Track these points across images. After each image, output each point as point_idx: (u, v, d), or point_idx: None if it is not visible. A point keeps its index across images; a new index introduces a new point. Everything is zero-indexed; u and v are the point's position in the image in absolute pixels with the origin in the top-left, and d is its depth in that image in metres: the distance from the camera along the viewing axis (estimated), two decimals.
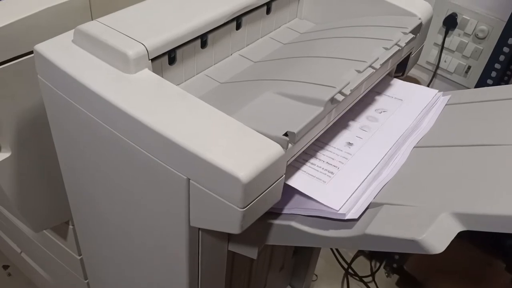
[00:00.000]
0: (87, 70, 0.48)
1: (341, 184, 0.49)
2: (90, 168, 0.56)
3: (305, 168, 0.51)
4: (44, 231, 0.92)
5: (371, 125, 0.58)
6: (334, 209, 0.46)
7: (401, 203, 0.45)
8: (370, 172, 0.51)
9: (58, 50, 0.50)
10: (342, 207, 0.47)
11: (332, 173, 0.51)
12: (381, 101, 0.63)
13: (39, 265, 1.12)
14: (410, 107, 0.61)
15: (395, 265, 1.36)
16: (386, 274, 1.39)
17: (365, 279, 1.36)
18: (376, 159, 0.52)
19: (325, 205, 0.47)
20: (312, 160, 0.52)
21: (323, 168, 0.51)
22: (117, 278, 0.70)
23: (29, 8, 0.57)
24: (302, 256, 1.01)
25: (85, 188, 0.60)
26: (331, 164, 0.52)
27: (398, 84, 0.66)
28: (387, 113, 0.60)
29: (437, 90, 0.64)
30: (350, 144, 0.55)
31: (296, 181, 0.49)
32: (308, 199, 0.50)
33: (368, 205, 0.47)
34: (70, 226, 0.84)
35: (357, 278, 1.37)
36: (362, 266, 1.39)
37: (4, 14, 0.56)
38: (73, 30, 0.51)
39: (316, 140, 0.51)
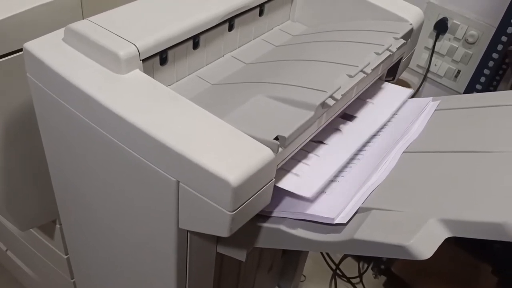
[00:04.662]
0: (77, 70, 0.48)
1: (329, 183, 0.50)
2: (79, 168, 0.55)
3: (294, 170, 0.51)
4: (31, 229, 0.91)
5: (359, 128, 0.58)
6: (322, 207, 0.47)
7: (390, 208, 0.45)
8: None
9: (48, 48, 0.50)
10: (331, 209, 0.47)
11: (320, 174, 0.51)
12: (370, 105, 0.63)
13: (25, 263, 1.11)
14: (401, 118, 0.62)
15: (382, 267, 1.37)
16: (374, 276, 1.39)
17: (353, 280, 1.37)
18: (366, 167, 0.53)
19: (313, 203, 0.47)
20: (302, 162, 0.53)
21: (311, 170, 0.52)
22: (104, 278, 0.69)
23: (19, 6, 0.57)
24: (291, 257, 1.01)
25: (73, 187, 0.60)
26: (319, 166, 0.52)
27: (387, 88, 0.67)
28: (374, 117, 0.60)
29: (431, 98, 0.64)
30: (338, 146, 0.55)
31: (284, 182, 0.50)
32: (297, 202, 0.50)
33: (357, 210, 0.47)
34: (57, 225, 0.84)
35: (345, 279, 1.37)
36: (350, 267, 1.40)
37: None
38: (63, 29, 0.51)
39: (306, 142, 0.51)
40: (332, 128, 0.58)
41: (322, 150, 0.54)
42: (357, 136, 0.56)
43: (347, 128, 0.58)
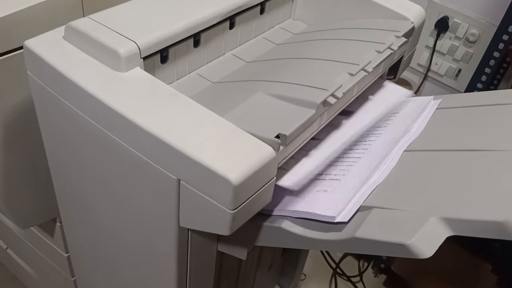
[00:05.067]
0: (77, 67, 0.48)
1: (332, 184, 0.49)
2: (79, 166, 0.55)
3: (295, 169, 0.51)
4: (31, 228, 0.91)
5: (361, 128, 0.58)
6: (323, 207, 0.46)
7: (391, 207, 0.45)
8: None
9: (49, 46, 0.50)
10: (332, 208, 0.47)
11: (323, 174, 0.51)
12: (371, 105, 0.63)
13: (25, 261, 1.11)
14: (402, 116, 0.61)
15: (382, 265, 1.37)
16: (374, 274, 1.39)
17: (353, 279, 1.37)
18: (366, 164, 0.52)
19: (314, 201, 0.47)
20: (303, 161, 0.52)
21: (314, 169, 0.51)
22: (105, 276, 0.69)
23: (20, 3, 0.56)
24: (291, 256, 1.01)
25: (73, 185, 0.60)
26: (321, 165, 0.52)
27: (391, 89, 0.67)
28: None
29: (432, 97, 0.64)
30: (339, 146, 0.55)
31: (285, 181, 0.49)
32: (298, 201, 0.50)
33: (358, 208, 0.47)
34: (58, 224, 0.84)
35: (345, 277, 1.37)
36: (350, 266, 1.40)
37: None
38: (64, 26, 0.51)
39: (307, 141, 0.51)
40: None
41: (314, 146, 0.54)
42: (350, 131, 0.56)
43: (342, 123, 0.58)
